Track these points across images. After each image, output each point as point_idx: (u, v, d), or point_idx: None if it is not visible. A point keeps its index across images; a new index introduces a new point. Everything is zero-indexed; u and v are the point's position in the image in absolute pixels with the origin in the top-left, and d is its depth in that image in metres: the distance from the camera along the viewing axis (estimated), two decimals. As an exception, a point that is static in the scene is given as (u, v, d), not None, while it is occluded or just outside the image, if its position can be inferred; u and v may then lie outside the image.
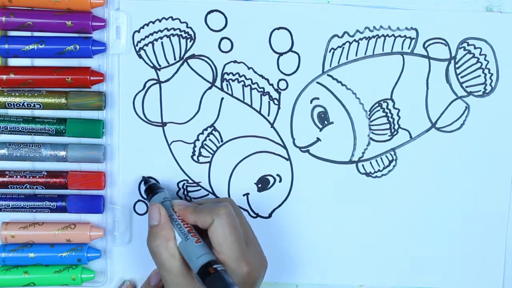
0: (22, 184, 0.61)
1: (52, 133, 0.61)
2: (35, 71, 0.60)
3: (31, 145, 0.61)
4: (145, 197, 0.62)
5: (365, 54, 0.62)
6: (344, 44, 0.62)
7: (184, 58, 0.62)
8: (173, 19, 0.61)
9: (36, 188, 0.61)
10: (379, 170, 0.64)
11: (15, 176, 0.61)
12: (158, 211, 0.57)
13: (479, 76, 0.63)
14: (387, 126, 0.63)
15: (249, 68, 0.62)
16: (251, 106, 0.63)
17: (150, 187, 0.61)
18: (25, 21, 0.59)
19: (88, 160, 0.62)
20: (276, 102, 0.63)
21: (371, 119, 0.63)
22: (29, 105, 0.60)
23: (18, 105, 0.60)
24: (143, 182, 0.62)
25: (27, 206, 0.62)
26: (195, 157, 0.63)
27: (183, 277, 0.55)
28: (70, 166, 0.62)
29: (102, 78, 0.61)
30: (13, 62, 0.61)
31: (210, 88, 0.62)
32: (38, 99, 0.60)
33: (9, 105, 0.60)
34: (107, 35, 0.61)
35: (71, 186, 0.62)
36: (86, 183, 0.62)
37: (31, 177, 0.61)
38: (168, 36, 0.61)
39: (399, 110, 0.63)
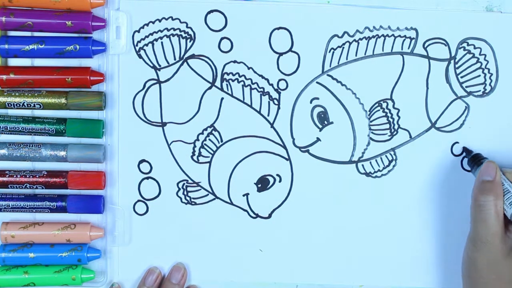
0: (22, 184, 0.61)
1: (52, 133, 0.61)
2: (35, 71, 0.60)
3: (31, 145, 0.61)
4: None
5: (365, 54, 0.62)
6: (344, 44, 0.62)
7: (184, 58, 0.62)
8: (173, 19, 0.61)
9: (36, 188, 0.61)
10: (379, 170, 0.64)
11: (15, 176, 0.61)
12: (495, 169, 0.58)
13: (479, 76, 0.63)
14: (387, 126, 0.63)
15: (249, 68, 0.62)
16: (251, 106, 0.63)
17: (476, 157, 0.61)
18: (25, 21, 0.59)
19: (88, 160, 0.62)
20: (276, 102, 0.63)
21: (371, 119, 0.63)
22: (29, 105, 0.60)
23: (18, 105, 0.60)
24: (465, 153, 0.63)
25: (27, 206, 0.62)
26: (195, 157, 0.63)
27: (498, 239, 0.57)
28: (70, 166, 0.62)
29: (102, 78, 0.61)
30: (13, 62, 0.61)
31: (210, 88, 0.62)
32: (38, 99, 0.60)
33: (9, 105, 0.60)
34: (107, 35, 0.61)
35: (71, 186, 0.62)
36: (86, 183, 0.62)
37: (31, 177, 0.61)
38: (168, 36, 0.61)
39: (399, 110, 0.63)
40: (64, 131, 0.61)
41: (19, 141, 0.62)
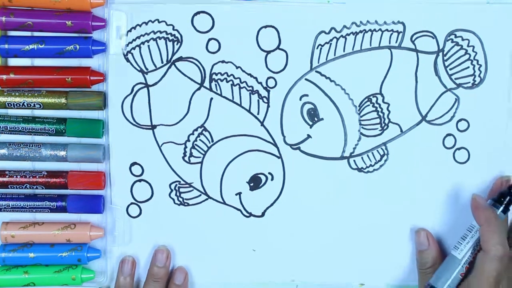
0: (22, 184, 0.62)
1: (52, 133, 0.61)
2: (35, 71, 0.61)
3: (31, 145, 0.62)
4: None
5: (352, 49, 0.62)
6: (331, 40, 0.62)
7: (172, 61, 0.62)
8: (159, 22, 0.61)
9: (36, 188, 0.62)
10: (370, 165, 0.63)
11: (15, 176, 0.62)
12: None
13: (468, 67, 0.62)
14: (377, 120, 0.62)
15: (237, 68, 0.62)
16: (240, 105, 0.63)
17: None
18: (25, 21, 0.60)
19: (88, 160, 0.62)
20: (265, 100, 0.63)
21: (361, 114, 0.62)
22: (29, 105, 0.61)
23: (18, 105, 0.61)
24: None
25: (27, 206, 0.62)
26: (186, 158, 0.63)
27: None
28: (70, 166, 0.63)
29: (102, 78, 0.61)
30: (13, 62, 0.61)
31: (198, 89, 0.63)
32: (38, 99, 0.61)
33: (9, 105, 0.61)
34: (107, 35, 0.61)
35: (71, 186, 0.62)
36: (86, 183, 0.62)
37: (31, 177, 0.62)
38: (154, 39, 0.61)
39: (388, 104, 0.62)
40: (64, 131, 0.62)
41: (19, 141, 0.62)
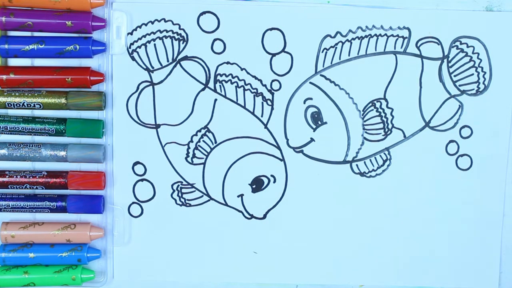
0: (22, 184, 0.62)
1: (52, 133, 0.61)
2: (35, 71, 0.61)
3: (31, 145, 0.62)
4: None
5: (357, 54, 0.62)
6: (336, 44, 0.62)
7: (177, 59, 0.62)
8: (165, 21, 0.61)
9: (36, 188, 0.62)
10: (373, 170, 0.63)
11: (15, 176, 0.62)
12: None
13: (472, 74, 0.62)
14: (381, 125, 0.63)
15: (242, 69, 0.62)
16: (244, 107, 0.63)
17: None
18: (25, 21, 0.59)
19: (88, 160, 0.62)
20: (269, 102, 0.63)
21: (365, 118, 0.63)
22: (29, 105, 0.61)
23: (18, 105, 0.61)
24: None
25: (27, 206, 0.62)
26: (189, 159, 0.64)
27: None
28: (70, 166, 0.63)
29: (102, 78, 0.61)
30: (13, 62, 0.61)
31: (203, 89, 0.63)
32: (38, 99, 0.61)
33: (9, 105, 0.61)
34: (107, 35, 0.61)
35: (71, 186, 0.62)
36: (86, 183, 0.62)
37: (31, 177, 0.62)
38: (160, 38, 0.62)
39: (392, 109, 0.63)
40: (64, 131, 0.61)
41: (19, 141, 0.62)
